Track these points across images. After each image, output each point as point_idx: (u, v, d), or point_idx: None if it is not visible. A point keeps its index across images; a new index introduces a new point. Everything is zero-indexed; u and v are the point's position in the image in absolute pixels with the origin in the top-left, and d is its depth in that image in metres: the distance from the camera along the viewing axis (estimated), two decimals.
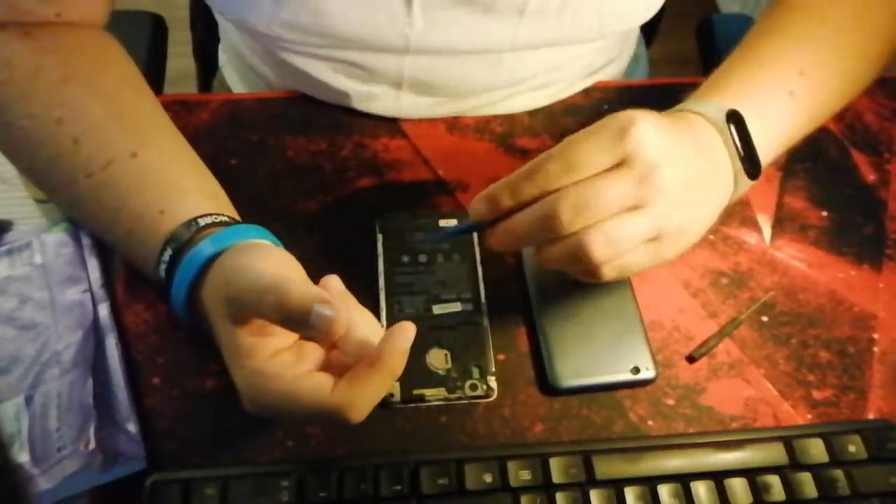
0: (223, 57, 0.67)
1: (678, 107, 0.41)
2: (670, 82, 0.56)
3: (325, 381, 0.32)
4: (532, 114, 0.54)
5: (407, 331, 0.32)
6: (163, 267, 0.37)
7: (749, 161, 0.39)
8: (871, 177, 0.52)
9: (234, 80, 0.64)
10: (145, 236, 0.39)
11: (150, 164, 0.41)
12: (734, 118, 0.39)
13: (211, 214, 0.39)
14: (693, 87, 0.56)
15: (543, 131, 0.53)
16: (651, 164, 0.34)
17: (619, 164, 0.34)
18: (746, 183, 0.39)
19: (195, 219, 0.38)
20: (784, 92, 0.42)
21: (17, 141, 0.41)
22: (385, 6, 0.45)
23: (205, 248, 0.36)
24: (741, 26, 0.75)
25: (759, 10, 1.26)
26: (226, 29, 0.62)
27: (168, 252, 0.37)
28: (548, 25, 0.47)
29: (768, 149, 0.41)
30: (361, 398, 0.32)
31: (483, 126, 0.53)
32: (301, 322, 0.31)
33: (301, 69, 0.51)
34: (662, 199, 0.34)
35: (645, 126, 0.34)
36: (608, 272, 0.35)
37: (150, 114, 0.43)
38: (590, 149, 0.34)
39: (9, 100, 0.41)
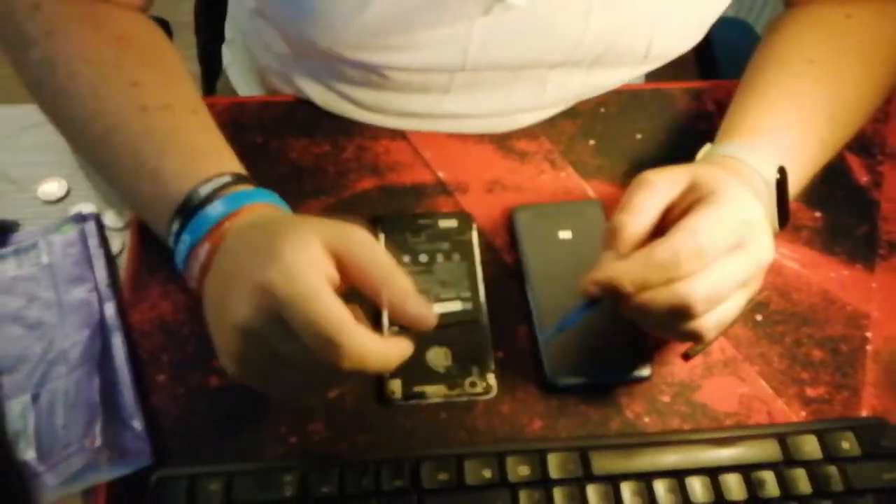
0: (227, 57, 0.67)
1: (724, 151, 0.43)
2: (666, 86, 0.57)
3: (350, 314, 0.32)
4: None
5: (407, 348, 0.34)
6: (208, 186, 0.37)
7: (783, 214, 0.42)
8: (863, 178, 0.53)
9: (239, 80, 0.65)
10: (190, 168, 0.38)
11: (207, 122, 0.41)
12: (780, 173, 0.41)
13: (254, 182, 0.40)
14: (689, 91, 0.57)
15: (542, 134, 0.54)
16: (763, 247, 0.37)
17: (738, 245, 0.36)
18: (776, 230, 0.42)
19: (245, 176, 0.39)
20: (815, 139, 0.44)
21: (64, 85, 0.41)
22: (449, 25, 0.45)
23: (263, 192, 0.38)
24: (738, 30, 0.76)
25: (753, 13, 1.27)
26: (243, 30, 0.62)
27: (226, 178, 0.38)
28: (598, 51, 0.48)
29: (793, 190, 0.43)
30: (366, 348, 0.31)
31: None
32: (399, 308, 0.32)
33: (335, 90, 0.51)
34: (764, 272, 0.38)
35: (756, 207, 0.37)
36: (709, 339, 0.38)
37: (197, 88, 0.44)
38: (717, 237, 0.35)
39: (62, 46, 0.41)
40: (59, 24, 0.41)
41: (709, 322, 0.36)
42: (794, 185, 0.43)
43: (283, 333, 0.31)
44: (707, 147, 0.45)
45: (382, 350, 0.32)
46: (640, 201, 0.37)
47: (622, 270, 0.35)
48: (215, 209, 0.36)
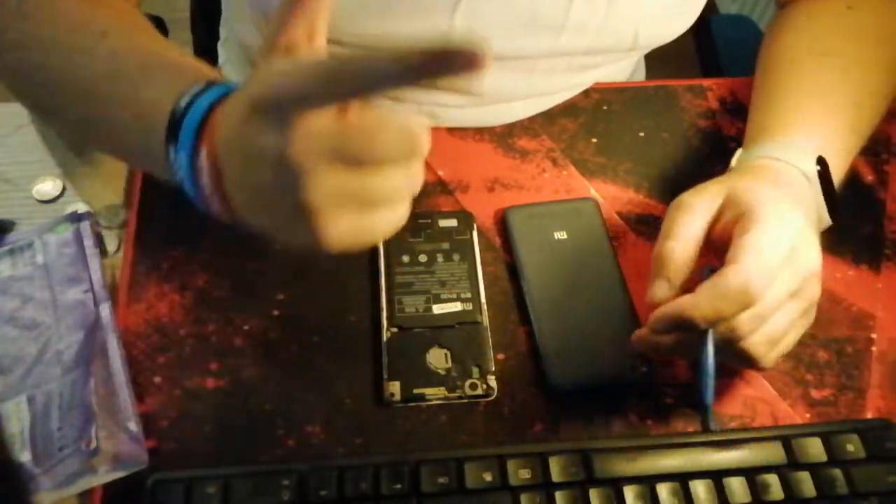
0: (223, 55, 0.67)
1: (757, 152, 0.42)
2: (669, 83, 0.57)
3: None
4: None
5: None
6: (185, 98, 0.32)
7: (832, 202, 0.41)
8: (869, 177, 0.52)
9: (234, 79, 0.64)
10: (168, 89, 0.33)
11: (180, 50, 0.37)
12: (821, 164, 0.41)
13: None
14: (691, 88, 0.56)
15: (542, 132, 0.53)
16: (811, 255, 0.37)
17: (790, 258, 0.36)
18: (827, 222, 0.42)
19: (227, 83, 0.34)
20: (845, 127, 0.45)
21: (40, 59, 0.38)
22: (429, 13, 0.45)
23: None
24: (740, 27, 0.76)
25: (757, 10, 1.26)
26: (237, 28, 0.61)
27: (201, 84, 0.32)
28: (586, 39, 0.48)
29: (835, 180, 0.43)
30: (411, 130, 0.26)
31: (482, 127, 0.53)
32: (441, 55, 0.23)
33: None
34: (817, 281, 0.37)
35: (799, 215, 0.37)
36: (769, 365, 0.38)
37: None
38: (777, 253, 0.35)
39: (38, 23, 0.38)
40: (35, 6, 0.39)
41: (757, 340, 0.36)
42: (835, 175, 0.42)
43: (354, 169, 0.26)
44: (739, 153, 0.45)
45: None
46: (684, 225, 0.37)
47: (692, 304, 0.35)
48: (196, 112, 0.32)
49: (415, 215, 0.47)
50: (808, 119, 0.44)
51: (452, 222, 0.47)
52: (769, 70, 0.49)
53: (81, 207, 0.46)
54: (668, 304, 0.36)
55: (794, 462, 0.39)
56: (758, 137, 0.44)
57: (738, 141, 0.53)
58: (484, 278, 0.45)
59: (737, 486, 0.38)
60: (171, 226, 0.46)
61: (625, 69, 0.60)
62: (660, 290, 0.37)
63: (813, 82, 0.46)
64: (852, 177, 0.52)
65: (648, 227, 0.49)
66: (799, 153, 0.41)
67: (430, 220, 0.47)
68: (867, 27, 0.49)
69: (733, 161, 0.45)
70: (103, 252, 0.45)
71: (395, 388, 0.40)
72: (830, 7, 0.50)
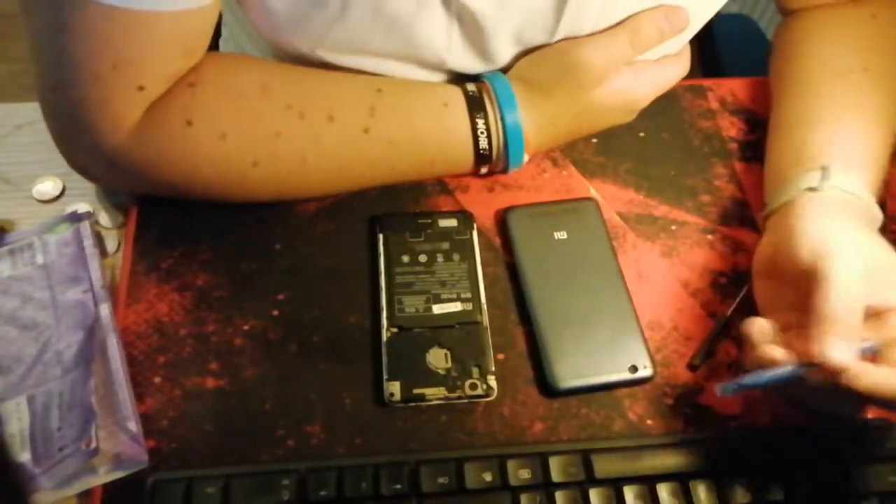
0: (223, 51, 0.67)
1: (840, 183, 0.42)
2: None
3: None
4: None
5: None
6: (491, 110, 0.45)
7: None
8: None
9: None
10: (455, 114, 0.45)
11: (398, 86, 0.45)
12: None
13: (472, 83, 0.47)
14: (692, 88, 0.56)
15: None
16: None
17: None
18: None
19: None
20: (884, 148, 0.45)
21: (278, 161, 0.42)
22: (426, 27, 0.44)
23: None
24: (741, 26, 0.76)
25: (758, 9, 1.26)
26: (236, 31, 0.61)
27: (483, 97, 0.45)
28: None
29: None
30: None
31: None
32: None
33: None
34: None
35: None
36: None
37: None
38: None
39: (253, 140, 0.42)
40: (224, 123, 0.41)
41: None
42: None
43: None
44: (819, 175, 0.42)
45: None
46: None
47: (882, 380, 0.34)
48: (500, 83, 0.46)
49: (414, 214, 0.47)
50: (872, 152, 0.44)
51: (452, 222, 0.47)
52: (812, 82, 0.47)
53: (81, 207, 0.46)
54: (877, 377, 0.34)
55: (794, 462, 0.39)
56: (835, 160, 0.43)
57: (739, 141, 0.53)
58: (484, 278, 0.45)
59: (737, 486, 0.38)
60: (170, 226, 0.46)
61: None
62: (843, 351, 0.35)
63: (864, 103, 0.45)
64: None
65: (649, 227, 0.49)
66: (871, 196, 0.42)
67: (430, 220, 0.47)
68: (892, 36, 0.48)
69: (815, 182, 0.42)
70: (103, 252, 0.45)
71: (395, 388, 0.40)
72: (856, 17, 0.49)
